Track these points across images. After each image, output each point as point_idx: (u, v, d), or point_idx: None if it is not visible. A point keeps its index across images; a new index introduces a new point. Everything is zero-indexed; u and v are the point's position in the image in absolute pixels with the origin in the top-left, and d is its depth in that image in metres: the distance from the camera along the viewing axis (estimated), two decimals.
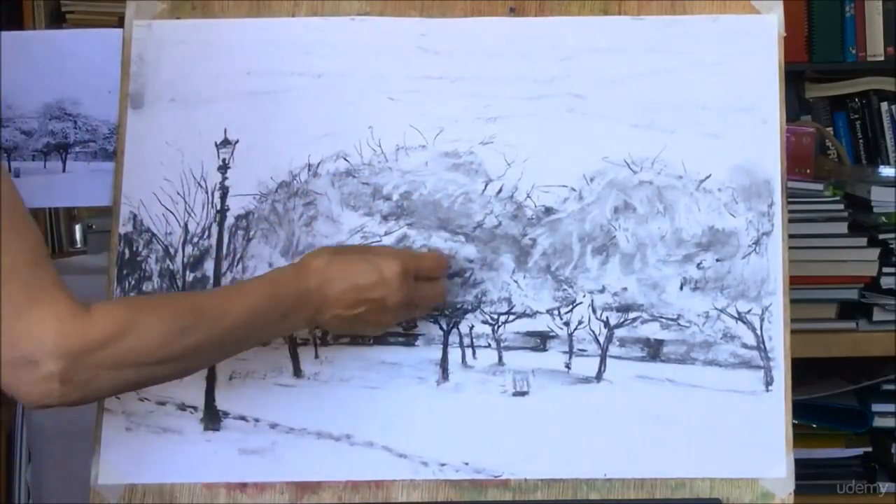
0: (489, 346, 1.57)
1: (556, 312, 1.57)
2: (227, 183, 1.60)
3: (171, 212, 1.59)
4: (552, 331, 1.56)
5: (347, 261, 1.45)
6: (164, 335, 1.30)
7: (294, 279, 1.42)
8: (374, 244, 1.57)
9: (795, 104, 3.12)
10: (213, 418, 1.56)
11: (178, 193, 1.59)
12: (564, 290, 1.57)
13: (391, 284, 1.44)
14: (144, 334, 1.28)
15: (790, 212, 1.59)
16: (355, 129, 1.60)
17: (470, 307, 1.57)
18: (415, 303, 1.49)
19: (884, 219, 2.50)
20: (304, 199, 1.59)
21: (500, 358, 1.56)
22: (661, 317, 1.56)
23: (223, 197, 1.60)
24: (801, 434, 1.97)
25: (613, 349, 1.56)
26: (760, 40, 1.60)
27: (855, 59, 3.08)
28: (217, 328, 1.34)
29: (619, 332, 1.56)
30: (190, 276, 1.58)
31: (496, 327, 1.57)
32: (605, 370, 1.56)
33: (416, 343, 1.57)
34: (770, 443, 1.53)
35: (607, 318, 1.56)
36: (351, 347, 1.57)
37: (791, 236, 1.58)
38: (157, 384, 1.40)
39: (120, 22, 1.66)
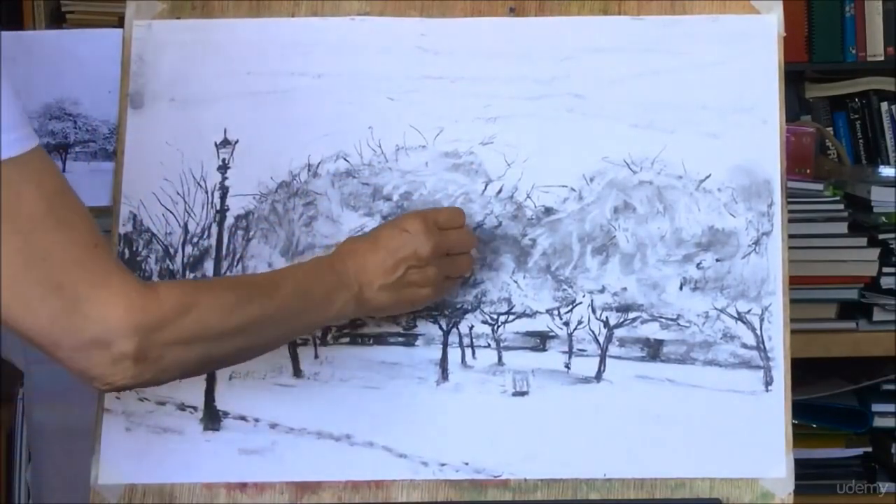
0: (489, 346, 1.57)
1: (555, 312, 1.57)
2: (226, 183, 1.60)
3: (170, 212, 1.59)
4: (552, 331, 1.56)
5: (371, 234, 1.49)
6: (223, 307, 1.31)
7: (329, 261, 1.45)
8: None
9: (795, 104, 3.11)
10: (213, 418, 1.56)
11: (178, 193, 1.59)
12: (564, 290, 1.57)
13: (418, 236, 1.46)
14: (207, 307, 1.30)
15: (790, 212, 1.59)
16: (355, 130, 1.60)
17: (470, 307, 1.57)
18: (449, 249, 1.50)
19: (884, 219, 2.51)
20: (304, 199, 1.59)
21: (500, 358, 1.56)
22: (661, 317, 1.56)
23: (223, 197, 1.60)
24: (801, 434, 1.97)
25: (613, 349, 1.56)
26: (760, 40, 1.60)
27: (855, 59, 3.08)
28: (270, 301, 1.36)
29: (618, 332, 1.56)
30: (190, 277, 1.58)
31: (496, 327, 1.57)
32: (604, 370, 1.56)
33: (416, 343, 1.57)
34: (770, 443, 1.53)
35: (607, 318, 1.56)
36: (351, 347, 1.57)
37: (791, 236, 1.58)
38: (226, 364, 1.43)
39: (120, 22, 1.66)
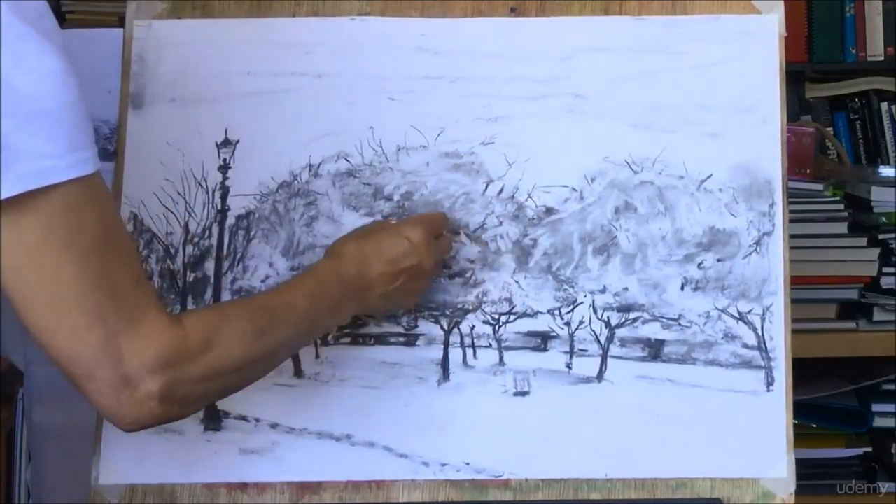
0: (490, 346, 1.57)
1: (556, 312, 1.57)
2: (227, 183, 1.60)
3: (171, 212, 1.59)
4: (553, 331, 1.56)
5: (376, 240, 1.48)
6: (245, 339, 1.29)
7: (334, 270, 1.44)
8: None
9: (795, 104, 3.11)
10: (213, 418, 1.55)
11: (179, 193, 1.59)
12: (565, 290, 1.57)
13: (421, 249, 1.48)
14: (229, 340, 1.27)
15: (790, 212, 1.59)
16: (356, 130, 1.60)
17: (471, 307, 1.57)
18: (441, 260, 1.52)
19: (884, 219, 2.51)
20: (305, 199, 1.59)
21: (501, 358, 1.56)
22: (662, 317, 1.56)
23: (224, 197, 1.59)
24: (802, 434, 1.96)
25: (614, 349, 1.56)
26: (761, 40, 1.60)
27: (855, 59, 3.08)
28: (287, 326, 1.35)
29: (620, 333, 1.56)
30: (190, 276, 1.58)
31: (497, 327, 1.57)
32: (605, 370, 1.56)
33: (417, 343, 1.57)
34: (771, 443, 1.53)
35: (608, 318, 1.56)
36: (351, 347, 1.57)
37: (791, 236, 1.58)
38: (233, 392, 1.38)
39: (120, 22, 1.66)
